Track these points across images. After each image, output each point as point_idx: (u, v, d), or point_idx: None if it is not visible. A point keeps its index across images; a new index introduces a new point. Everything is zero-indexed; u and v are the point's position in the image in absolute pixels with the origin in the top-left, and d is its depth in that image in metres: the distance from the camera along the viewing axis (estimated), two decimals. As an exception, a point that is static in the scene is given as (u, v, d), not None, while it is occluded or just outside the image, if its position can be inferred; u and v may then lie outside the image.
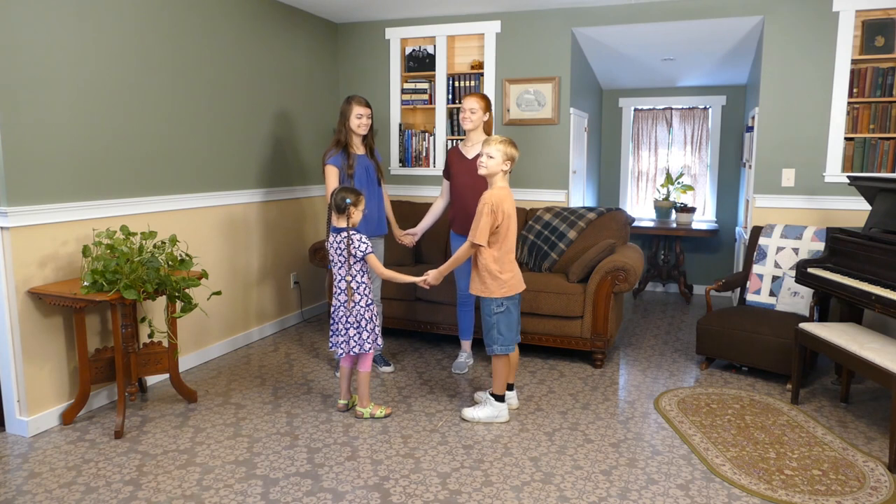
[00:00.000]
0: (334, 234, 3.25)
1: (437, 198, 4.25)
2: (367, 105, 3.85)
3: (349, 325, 3.25)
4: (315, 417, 3.35)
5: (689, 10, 4.60)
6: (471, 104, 3.82)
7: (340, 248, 3.23)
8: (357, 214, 3.22)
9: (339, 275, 3.27)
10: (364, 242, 3.22)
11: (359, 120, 3.81)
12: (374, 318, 3.29)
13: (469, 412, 3.32)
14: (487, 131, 3.94)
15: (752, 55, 5.24)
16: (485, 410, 3.30)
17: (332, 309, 3.32)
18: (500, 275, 3.17)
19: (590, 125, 5.97)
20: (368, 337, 3.26)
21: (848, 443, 3.08)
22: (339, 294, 3.27)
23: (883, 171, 4.27)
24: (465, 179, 3.87)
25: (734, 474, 2.77)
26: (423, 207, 4.89)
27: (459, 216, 3.92)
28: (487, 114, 3.89)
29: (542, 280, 4.23)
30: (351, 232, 3.19)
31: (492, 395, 3.32)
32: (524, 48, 5.04)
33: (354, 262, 3.23)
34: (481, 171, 3.18)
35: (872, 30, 4.22)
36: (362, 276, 3.26)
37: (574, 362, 4.24)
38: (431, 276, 3.30)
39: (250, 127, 4.52)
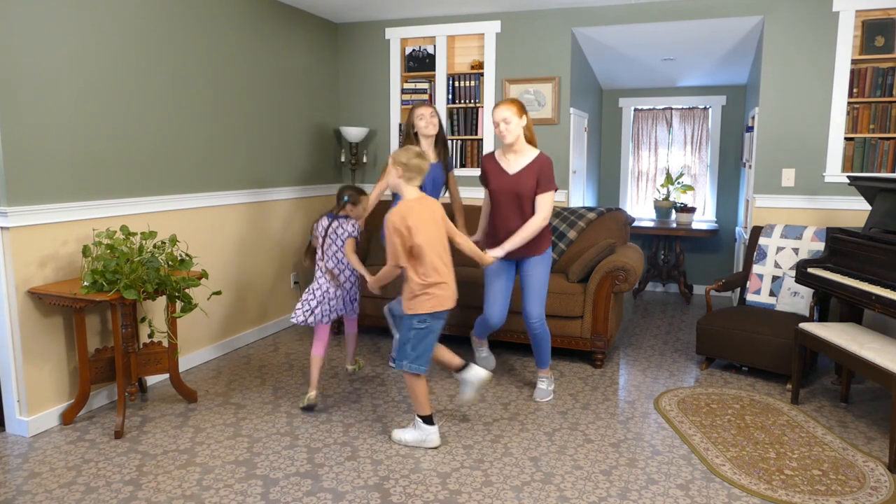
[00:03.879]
0: (330, 219, 3.50)
1: (483, 202, 3.68)
2: (430, 105, 3.83)
3: (352, 293, 3.60)
4: (315, 417, 3.35)
5: (689, 10, 4.60)
6: (502, 114, 3.26)
7: (336, 234, 3.48)
8: (355, 212, 3.50)
9: (337, 258, 3.50)
10: (352, 228, 3.49)
11: (421, 120, 3.71)
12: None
13: (397, 434, 3.07)
14: (530, 139, 3.40)
15: (752, 55, 5.25)
16: (412, 433, 3.04)
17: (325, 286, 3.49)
18: (426, 290, 2.90)
19: (590, 125, 5.97)
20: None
21: (848, 443, 3.08)
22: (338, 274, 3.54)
23: (883, 171, 4.27)
24: (506, 198, 3.38)
25: (734, 474, 2.77)
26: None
27: (502, 235, 3.41)
28: (525, 118, 3.33)
29: (542, 280, 4.22)
30: (343, 219, 3.49)
31: (419, 416, 3.03)
32: (524, 48, 5.04)
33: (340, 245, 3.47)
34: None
35: (872, 30, 4.22)
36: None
37: (574, 362, 4.24)
38: (371, 282, 3.11)
39: (250, 127, 4.52)
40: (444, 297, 2.95)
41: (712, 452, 2.97)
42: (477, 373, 3.14)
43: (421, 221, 2.87)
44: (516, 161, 3.38)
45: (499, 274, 3.48)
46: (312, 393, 3.40)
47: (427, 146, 3.78)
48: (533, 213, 3.36)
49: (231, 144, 4.35)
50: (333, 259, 3.49)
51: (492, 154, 3.49)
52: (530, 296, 3.45)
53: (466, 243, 3.14)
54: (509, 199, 3.38)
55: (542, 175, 3.32)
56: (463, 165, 5.29)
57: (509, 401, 3.59)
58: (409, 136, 3.79)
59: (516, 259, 3.49)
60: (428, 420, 3.01)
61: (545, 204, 3.33)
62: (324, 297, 3.48)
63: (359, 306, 3.74)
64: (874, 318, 4.10)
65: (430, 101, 5.33)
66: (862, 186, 3.76)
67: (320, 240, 3.49)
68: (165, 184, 3.84)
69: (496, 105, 3.32)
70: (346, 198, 3.44)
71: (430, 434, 3.01)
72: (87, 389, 3.25)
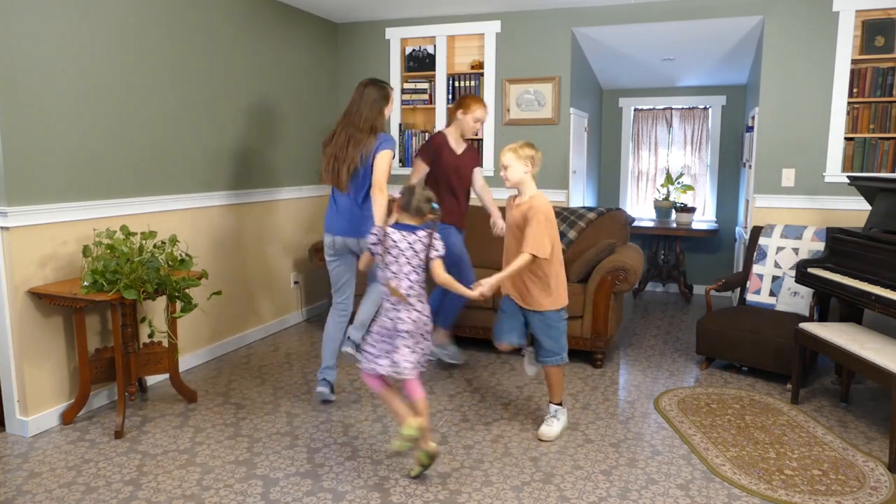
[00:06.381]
0: (405, 232, 2.69)
1: (408, 178, 3.96)
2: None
3: (404, 339, 2.68)
4: (315, 417, 3.35)
5: (689, 10, 4.60)
6: (485, 116, 3.97)
7: (415, 249, 2.68)
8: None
9: (407, 279, 2.68)
10: (442, 243, 2.74)
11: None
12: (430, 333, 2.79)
13: (547, 431, 3.13)
14: (462, 129, 3.95)
15: (752, 55, 5.24)
16: (559, 423, 3.17)
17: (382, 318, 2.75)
18: (560, 281, 3.08)
19: (590, 125, 5.97)
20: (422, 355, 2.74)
21: (848, 443, 3.08)
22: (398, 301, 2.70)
23: (883, 171, 4.27)
24: (454, 173, 3.94)
25: (734, 474, 2.77)
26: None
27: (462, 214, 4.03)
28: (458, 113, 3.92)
29: (542, 280, 4.22)
30: (431, 231, 2.71)
31: (555, 404, 3.19)
32: (524, 48, 5.03)
33: (423, 266, 2.72)
34: (507, 185, 3.02)
35: (872, 30, 4.22)
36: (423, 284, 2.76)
37: (574, 362, 4.23)
38: (487, 285, 2.84)
39: (250, 127, 4.52)
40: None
41: (712, 452, 2.97)
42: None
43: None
44: (461, 145, 3.98)
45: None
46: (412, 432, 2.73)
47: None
48: (468, 183, 4.03)
49: (231, 144, 4.35)
50: (417, 287, 2.72)
51: (444, 136, 3.96)
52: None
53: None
54: (457, 173, 3.94)
55: (477, 155, 4.10)
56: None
57: (509, 401, 3.59)
58: (382, 115, 3.41)
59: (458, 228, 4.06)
60: (561, 404, 3.24)
61: (481, 175, 4.09)
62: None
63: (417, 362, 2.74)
64: (874, 318, 4.09)
65: (430, 101, 5.34)
66: (862, 186, 3.76)
67: (403, 258, 2.69)
68: (165, 184, 3.84)
69: (481, 104, 3.89)
70: (435, 204, 2.70)
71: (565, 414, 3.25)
72: (87, 389, 3.25)
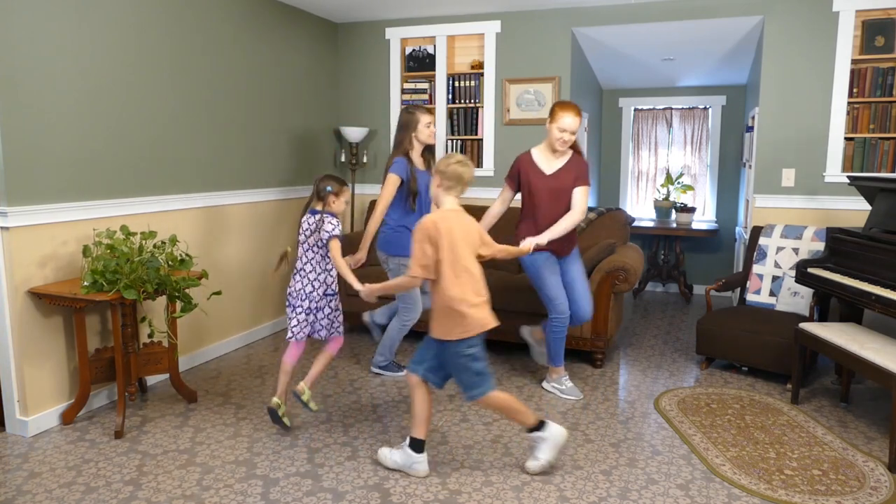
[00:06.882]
0: (309, 214, 3.10)
1: (494, 202, 3.63)
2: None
3: (320, 308, 3.15)
4: (315, 417, 3.35)
5: (689, 10, 4.60)
6: (573, 127, 3.32)
7: (312, 230, 3.06)
8: (338, 205, 3.07)
9: (305, 255, 3.12)
10: (334, 226, 3.03)
11: (428, 128, 3.66)
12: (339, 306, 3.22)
13: (384, 453, 2.85)
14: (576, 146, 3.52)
15: (752, 55, 5.25)
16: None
17: (294, 291, 3.16)
18: (469, 309, 2.64)
19: (590, 125, 5.97)
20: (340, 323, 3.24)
21: (848, 443, 3.08)
22: (305, 276, 3.15)
23: (883, 171, 4.27)
24: (547, 196, 3.45)
25: (734, 474, 2.77)
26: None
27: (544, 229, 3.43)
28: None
29: (542, 280, 4.22)
30: (325, 214, 3.03)
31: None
32: (524, 48, 5.04)
33: (322, 246, 3.06)
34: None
35: (872, 30, 4.22)
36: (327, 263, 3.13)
37: (574, 362, 4.23)
38: (367, 289, 2.84)
39: (250, 127, 4.52)
40: (487, 316, 2.67)
41: (712, 452, 2.97)
42: (557, 431, 2.78)
43: (456, 233, 2.61)
44: (556, 162, 3.49)
45: (550, 268, 3.50)
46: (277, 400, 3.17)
47: (418, 153, 3.70)
48: (569, 208, 3.44)
49: (231, 144, 4.35)
50: (310, 264, 3.12)
51: (528, 155, 3.54)
52: (583, 293, 3.60)
53: (504, 250, 2.99)
54: (550, 196, 3.46)
55: (580, 173, 3.47)
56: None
57: (509, 401, 3.59)
58: (407, 139, 3.64)
59: (557, 255, 3.54)
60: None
61: (582, 198, 3.44)
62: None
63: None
64: (874, 318, 4.09)
65: (430, 101, 5.34)
66: (862, 186, 3.76)
67: (305, 239, 3.11)
68: (165, 184, 3.84)
69: (568, 111, 3.32)
70: (328, 188, 3.00)
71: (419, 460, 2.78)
72: (87, 389, 3.25)
